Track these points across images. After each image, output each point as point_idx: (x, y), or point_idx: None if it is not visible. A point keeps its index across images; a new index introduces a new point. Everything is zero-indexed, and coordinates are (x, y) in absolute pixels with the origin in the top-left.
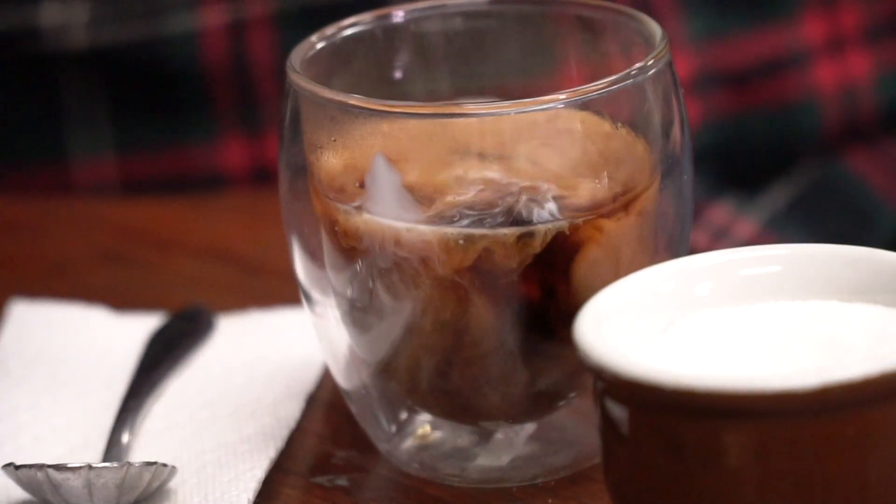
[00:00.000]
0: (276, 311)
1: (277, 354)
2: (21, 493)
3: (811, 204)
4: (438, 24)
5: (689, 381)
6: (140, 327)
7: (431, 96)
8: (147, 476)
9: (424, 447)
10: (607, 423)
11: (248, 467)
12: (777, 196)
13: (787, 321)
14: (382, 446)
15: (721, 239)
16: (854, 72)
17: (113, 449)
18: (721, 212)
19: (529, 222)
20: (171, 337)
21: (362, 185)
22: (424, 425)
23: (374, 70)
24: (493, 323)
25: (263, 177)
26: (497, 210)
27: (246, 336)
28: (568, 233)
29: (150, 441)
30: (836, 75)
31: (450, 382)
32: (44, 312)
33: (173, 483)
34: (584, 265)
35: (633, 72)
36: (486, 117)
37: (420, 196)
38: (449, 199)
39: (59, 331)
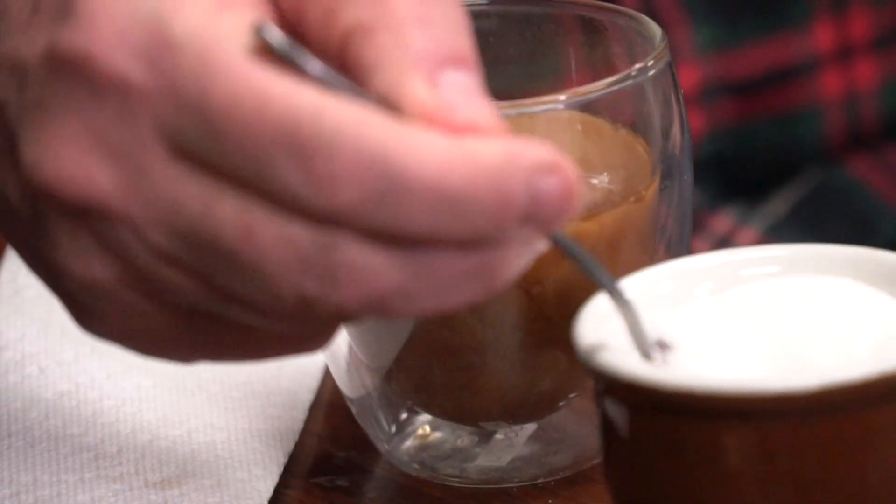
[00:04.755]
0: None
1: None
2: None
3: (813, 210)
4: None
5: (690, 381)
6: None
7: None
8: None
9: (424, 447)
10: (607, 424)
11: (261, 472)
12: (779, 204)
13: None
14: (382, 446)
15: (723, 248)
16: (860, 79)
17: None
18: (723, 221)
19: None
20: None
21: None
22: (424, 426)
23: None
24: (492, 323)
25: None
26: None
27: None
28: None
29: (150, 439)
30: (842, 83)
31: (450, 383)
32: None
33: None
34: None
35: (633, 72)
36: None
37: None
38: None
39: None
